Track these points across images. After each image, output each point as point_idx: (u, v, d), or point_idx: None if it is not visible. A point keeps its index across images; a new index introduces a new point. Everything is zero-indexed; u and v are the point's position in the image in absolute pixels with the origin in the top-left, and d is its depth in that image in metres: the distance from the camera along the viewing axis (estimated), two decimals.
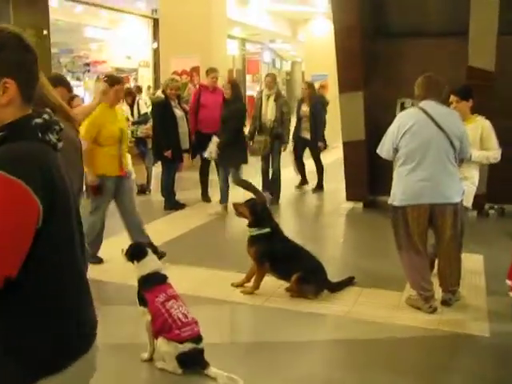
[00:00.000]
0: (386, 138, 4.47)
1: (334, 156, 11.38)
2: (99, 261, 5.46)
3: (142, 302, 3.59)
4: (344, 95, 7.62)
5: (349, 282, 4.91)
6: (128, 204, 5.51)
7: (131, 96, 9.48)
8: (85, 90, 17.18)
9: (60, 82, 4.18)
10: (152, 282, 3.60)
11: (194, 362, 3.45)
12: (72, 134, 3.81)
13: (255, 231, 4.70)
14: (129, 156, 6.39)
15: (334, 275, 4.94)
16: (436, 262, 4.66)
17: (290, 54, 34.76)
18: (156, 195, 9.32)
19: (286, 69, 40.59)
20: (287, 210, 8.47)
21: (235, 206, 4.89)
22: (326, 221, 7.95)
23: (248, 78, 26.03)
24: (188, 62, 12.88)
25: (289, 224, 7.73)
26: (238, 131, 7.61)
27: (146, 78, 18.15)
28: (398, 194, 4.36)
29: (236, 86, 7.76)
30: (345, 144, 7.96)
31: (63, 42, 17.57)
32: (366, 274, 5.21)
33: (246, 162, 7.70)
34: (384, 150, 4.48)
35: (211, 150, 7.56)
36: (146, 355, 3.64)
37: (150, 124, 9.44)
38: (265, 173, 8.77)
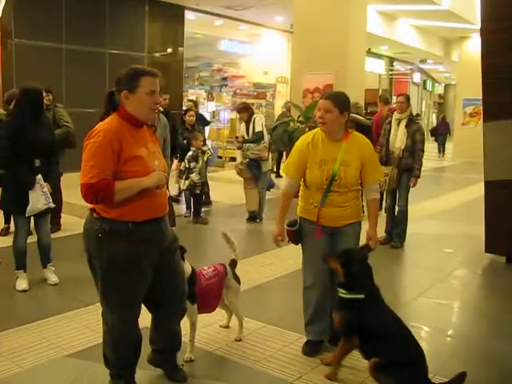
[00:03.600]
0: None
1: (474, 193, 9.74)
2: None
3: (192, 298, 3.63)
4: (489, 124, 6.19)
5: (459, 380, 3.51)
6: None
7: (248, 112, 8.63)
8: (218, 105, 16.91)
9: None
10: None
11: None
12: None
13: (346, 294, 3.54)
14: None
15: (450, 369, 3.69)
16: None
17: (442, 75, 32.64)
18: (269, 224, 8.41)
19: (439, 92, 38.44)
20: (410, 259, 7.10)
21: (326, 258, 3.74)
22: (453, 278, 6.37)
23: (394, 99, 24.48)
24: (321, 78, 11.90)
25: (407, 277, 6.45)
26: None
27: (283, 94, 17.48)
28: None
29: None
30: (487, 183, 6.50)
31: (202, 55, 17.46)
32: (498, 367, 3.87)
33: None
34: None
35: None
36: (192, 356, 3.79)
37: (263, 144, 8.61)
38: (390, 210, 7.52)
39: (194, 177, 8.37)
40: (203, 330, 4.25)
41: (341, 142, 3.82)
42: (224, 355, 3.97)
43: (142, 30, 12.92)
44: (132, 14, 12.75)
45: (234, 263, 4.27)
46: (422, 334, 4.58)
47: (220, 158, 16.10)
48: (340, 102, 3.79)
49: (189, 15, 14.12)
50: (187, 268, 3.75)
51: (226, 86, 17.99)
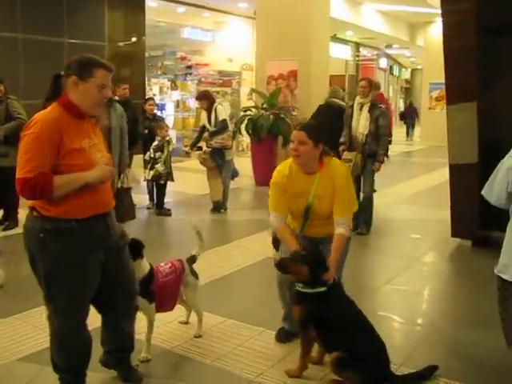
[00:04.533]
0: (496, 176, 3.08)
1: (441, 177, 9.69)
2: None
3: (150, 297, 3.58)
4: (452, 107, 6.08)
5: (428, 373, 3.45)
6: None
7: (208, 100, 8.39)
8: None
9: None
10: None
11: None
12: None
13: (305, 288, 3.40)
14: None
15: (415, 360, 3.59)
16: None
17: (409, 60, 32.78)
18: (233, 214, 8.28)
19: (406, 77, 38.61)
20: (376, 245, 7.00)
21: (282, 263, 3.55)
22: (420, 264, 6.28)
23: None
24: (285, 65, 11.75)
25: (374, 264, 6.35)
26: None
27: (248, 82, 17.27)
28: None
29: None
30: (452, 167, 6.40)
31: (164, 44, 17.16)
32: (464, 360, 3.79)
33: None
34: (494, 193, 3.09)
35: None
36: (148, 356, 3.65)
37: (227, 133, 8.43)
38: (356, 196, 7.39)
39: (159, 167, 8.16)
40: (162, 327, 4.08)
41: (315, 174, 3.64)
42: (183, 353, 3.81)
43: (102, 19, 12.55)
44: (91, 2, 12.37)
45: (192, 259, 4.12)
46: (390, 322, 4.49)
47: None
48: (315, 133, 3.61)
49: (150, 3, 13.79)
50: (145, 265, 3.59)
51: (190, 74, 17.68)
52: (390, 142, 7.48)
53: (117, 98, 7.69)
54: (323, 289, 3.36)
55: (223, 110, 8.62)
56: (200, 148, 8.83)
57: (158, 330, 3.88)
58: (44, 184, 2.69)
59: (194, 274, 4.09)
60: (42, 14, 11.26)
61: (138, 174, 8.42)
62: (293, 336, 3.93)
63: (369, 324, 3.38)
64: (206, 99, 8.36)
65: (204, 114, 8.50)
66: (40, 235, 2.78)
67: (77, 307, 2.94)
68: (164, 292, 3.73)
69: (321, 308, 3.34)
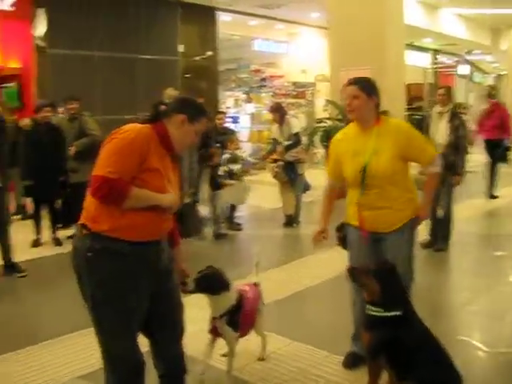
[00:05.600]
0: None
1: None
2: None
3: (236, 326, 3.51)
4: None
5: None
6: None
7: (280, 113, 8.26)
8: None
9: None
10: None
11: None
12: None
13: (378, 311, 3.15)
14: None
15: None
16: None
17: (491, 66, 31.52)
18: (306, 228, 8.07)
19: (488, 83, 37.21)
20: (455, 263, 6.59)
21: (356, 272, 3.34)
22: (505, 285, 5.74)
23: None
24: (358, 74, 11.39)
25: (452, 283, 5.97)
26: None
27: (323, 93, 17.06)
28: None
29: None
30: None
31: (238, 57, 17.25)
32: None
33: None
34: None
35: None
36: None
37: (301, 146, 8.27)
38: (433, 211, 7.02)
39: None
40: (224, 348, 3.92)
41: (372, 128, 3.52)
42: (243, 377, 3.65)
43: (175, 34, 12.74)
44: (164, 18, 12.59)
45: (257, 285, 3.97)
46: (468, 349, 4.13)
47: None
48: (366, 85, 3.53)
49: (223, 16, 13.89)
50: (232, 296, 3.51)
51: (264, 86, 17.66)
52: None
53: None
54: (397, 313, 3.10)
55: (296, 123, 8.49)
56: (276, 160, 8.68)
57: (219, 351, 3.73)
58: (122, 190, 2.61)
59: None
60: (116, 32, 11.54)
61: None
62: (361, 361, 3.68)
63: (444, 351, 3.09)
64: (278, 112, 8.25)
65: (275, 127, 8.39)
66: (88, 254, 2.68)
67: (125, 332, 2.81)
68: (247, 319, 3.63)
69: (394, 335, 3.07)
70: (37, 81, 10.61)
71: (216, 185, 7.73)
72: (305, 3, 13.54)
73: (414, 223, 3.57)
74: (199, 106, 2.94)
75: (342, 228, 3.77)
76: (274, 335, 4.16)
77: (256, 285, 3.91)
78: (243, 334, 3.68)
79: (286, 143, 8.12)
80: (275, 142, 8.40)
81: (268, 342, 3.94)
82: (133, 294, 2.75)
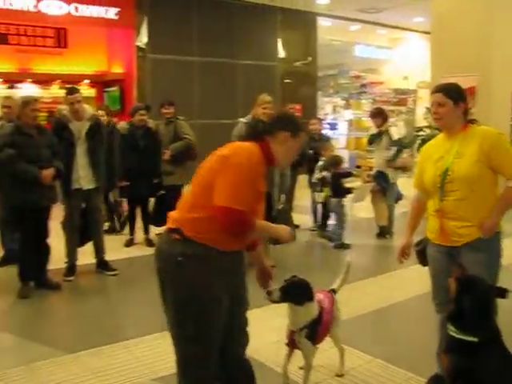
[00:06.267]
0: None
1: None
2: None
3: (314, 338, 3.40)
4: None
5: None
6: None
7: (382, 118, 8.03)
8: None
9: None
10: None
11: None
12: None
13: (456, 332, 2.89)
14: None
15: None
16: None
17: None
18: (399, 240, 7.77)
19: None
20: None
21: (455, 270, 3.08)
22: None
23: None
24: (462, 82, 10.89)
25: None
26: None
27: (424, 100, 16.54)
28: None
29: None
30: None
31: (337, 63, 17.06)
32: None
33: None
34: None
35: None
36: None
37: (407, 152, 8.00)
38: None
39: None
40: (300, 361, 3.80)
41: (458, 134, 3.36)
42: None
43: (274, 40, 12.76)
44: (263, 24, 12.64)
45: (333, 292, 3.82)
46: None
47: (359, 167, 15.49)
48: (452, 92, 3.34)
49: (323, 21, 13.77)
50: (314, 308, 3.41)
51: (364, 93, 17.35)
52: None
53: None
54: (474, 339, 2.83)
55: (395, 131, 8.24)
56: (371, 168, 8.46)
57: (296, 363, 3.62)
58: (250, 223, 2.68)
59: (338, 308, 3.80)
60: (217, 38, 11.70)
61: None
62: None
63: None
64: (380, 116, 8.03)
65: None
66: (178, 259, 2.67)
67: (204, 336, 2.77)
68: (324, 330, 3.53)
69: (468, 365, 2.80)
70: (137, 85, 10.97)
71: (340, 192, 7.60)
72: (408, 7, 13.16)
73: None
74: (299, 122, 2.98)
75: (421, 243, 3.57)
76: (355, 351, 4.01)
77: (332, 292, 3.78)
78: (318, 343, 3.56)
79: (392, 153, 7.86)
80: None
81: (348, 358, 3.80)
82: (216, 301, 2.73)
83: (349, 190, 7.64)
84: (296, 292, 3.30)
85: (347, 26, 14.72)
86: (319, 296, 3.59)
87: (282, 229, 2.82)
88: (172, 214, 2.80)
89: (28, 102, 5.57)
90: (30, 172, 5.42)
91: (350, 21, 14.39)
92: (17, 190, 5.46)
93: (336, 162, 7.71)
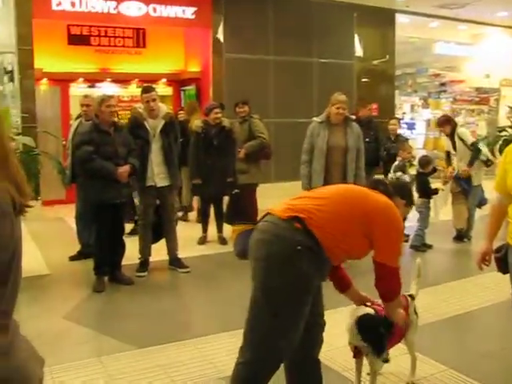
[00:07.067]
0: None
1: None
2: None
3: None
4: None
5: None
6: None
7: (450, 125, 7.77)
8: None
9: None
10: None
11: None
12: None
13: None
14: None
15: None
16: None
17: None
18: (478, 245, 7.45)
19: None
20: None
21: None
22: None
23: None
24: None
25: None
26: None
27: (509, 99, 15.86)
28: None
29: None
30: None
31: (416, 61, 16.62)
32: None
33: None
34: None
35: None
36: None
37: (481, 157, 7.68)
38: None
39: None
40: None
41: None
42: None
43: (351, 38, 12.56)
44: (340, 22, 12.46)
45: (411, 297, 3.67)
46: None
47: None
48: None
49: (401, 18, 13.43)
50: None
51: (444, 91, 16.80)
52: None
53: (353, 116, 7.43)
54: None
55: (468, 133, 7.94)
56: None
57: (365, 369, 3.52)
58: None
59: (416, 313, 3.65)
60: (293, 36, 11.64)
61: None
62: None
63: None
64: (448, 124, 7.76)
65: (447, 140, 7.90)
66: (298, 247, 2.68)
67: (294, 328, 2.75)
68: (396, 337, 3.39)
69: None
70: (213, 84, 11.07)
71: (427, 192, 7.40)
72: (492, 1, 12.62)
73: None
74: (413, 195, 3.32)
75: (501, 249, 3.36)
76: (428, 359, 3.86)
77: (410, 297, 3.63)
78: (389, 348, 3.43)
79: (469, 160, 7.57)
80: (448, 155, 7.91)
81: (419, 366, 3.65)
82: (310, 295, 2.77)
83: (435, 191, 7.41)
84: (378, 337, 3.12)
85: (426, 22, 14.27)
86: None
87: (401, 313, 3.07)
88: (294, 202, 2.84)
89: (104, 99, 5.71)
90: (106, 169, 5.55)
91: (430, 17, 13.94)
92: (94, 186, 5.61)
93: (427, 161, 7.50)
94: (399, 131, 9.25)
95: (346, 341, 3.24)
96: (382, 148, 8.47)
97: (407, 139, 9.25)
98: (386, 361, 3.06)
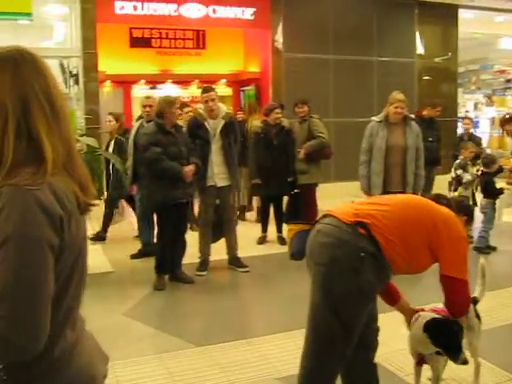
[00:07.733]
0: None
1: None
2: None
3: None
4: None
5: None
6: None
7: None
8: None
9: None
10: None
11: None
12: None
13: None
14: None
15: None
16: None
17: None
18: None
19: None
20: None
21: None
22: None
23: None
24: None
25: None
26: None
27: None
28: None
29: None
30: None
31: (480, 57, 16.13)
32: None
33: None
34: None
35: None
36: None
37: None
38: None
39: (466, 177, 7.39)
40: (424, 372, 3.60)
41: None
42: None
43: (412, 35, 12.32)
44: (400, 19, 12.25)
45: (474, 301, 3.55)
46: None
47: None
48: None
49: (464, 14, 13.06)
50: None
51: (509, 88, 16.25)
52: None
53: (412, 115, 7.28)
54: None
55: None
56: None
57: (424, 374, 3.44)
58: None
59: (478, 317, 3.54)
60: (352, 35, 11.52)
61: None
62: None
63: None
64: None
65: (510, 140, 7.65)
66: (361, 254, 2.65)
67: (355, 333, 2.74)
68: None
69: None
70: (272, 84, 11.08)
71: (492, 192, 7.20)
72: None
73: None
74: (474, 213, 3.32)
75: None
76: (492, 365, 3.73)
77: (473, 300, 3.51)
78: None
79: None
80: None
81: (483, 373, 3.54)
82: (371, 302, 2.80)
83: (501, 191, 7.19)
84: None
85: (492, 17, 13.82)
86: None
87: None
88: (359, 207, 2.83)
89: (173, 102, 5.79)
90: (173, 169, 5.63)
91: (496, 11, 13.47)
92: (161, 186, 5.67)
93: (491, 160, 7.29)
94: (471, 130, 9.06)
95: (401, 344, 3.16)
96: (454, 148, 8.31)
97: (481, 138, 9.05)
98: (465, 362, 2.95)
